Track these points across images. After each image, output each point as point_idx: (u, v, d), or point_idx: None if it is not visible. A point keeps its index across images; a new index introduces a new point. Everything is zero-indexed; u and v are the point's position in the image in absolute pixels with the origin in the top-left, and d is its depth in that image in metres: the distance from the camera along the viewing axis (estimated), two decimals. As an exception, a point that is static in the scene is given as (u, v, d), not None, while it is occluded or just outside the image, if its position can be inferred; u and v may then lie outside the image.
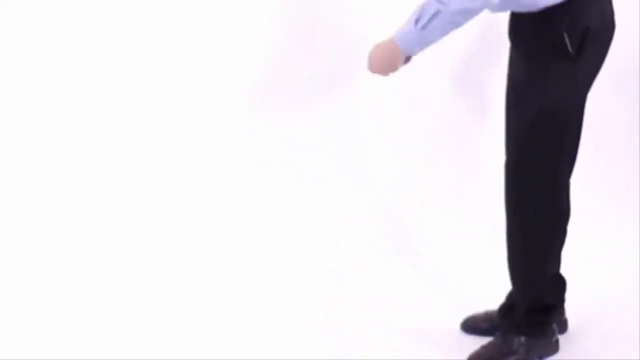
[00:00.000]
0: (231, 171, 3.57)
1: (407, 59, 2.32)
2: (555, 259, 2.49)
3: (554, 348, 2.54)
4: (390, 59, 2.26)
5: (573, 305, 2.64)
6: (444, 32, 2.19)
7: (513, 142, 2.37)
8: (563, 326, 2.64)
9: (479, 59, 3.65)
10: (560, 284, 2.58)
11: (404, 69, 2.36)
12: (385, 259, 3.13)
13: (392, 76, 2.35)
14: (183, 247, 3.19)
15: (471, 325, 2.64)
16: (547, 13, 2.23)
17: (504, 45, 2.47)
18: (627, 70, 3.68)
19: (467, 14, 2.16)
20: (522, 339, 2.49)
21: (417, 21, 2.18)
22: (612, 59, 3.66)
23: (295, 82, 3.70)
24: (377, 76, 2.34)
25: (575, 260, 3.09)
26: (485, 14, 2.29)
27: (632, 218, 3.39)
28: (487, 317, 2.64)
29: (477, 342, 2.54)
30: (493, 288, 2.66)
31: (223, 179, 3.54)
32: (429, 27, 2.17)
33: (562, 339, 2.58)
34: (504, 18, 2.41)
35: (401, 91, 3.63)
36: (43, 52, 3.58)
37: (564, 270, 2.99)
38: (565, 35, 2.23)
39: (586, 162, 3.64)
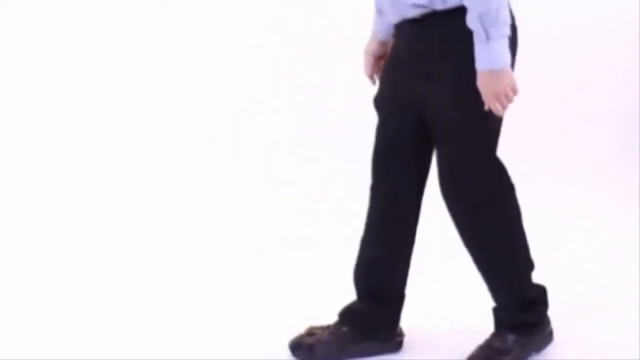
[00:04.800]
0: (231, 169, 3.58)
1: None
2: (525, 248, 2.44)
3: (549, 339, 2.53)
4: (503, 83, 2.18)
5: (564, 307, 2.64)
6: (506, 16, 2.14)
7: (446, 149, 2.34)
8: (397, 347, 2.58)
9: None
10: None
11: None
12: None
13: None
14: (179, 247, 3.19)
15: None
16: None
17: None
18: (627, 70, 3.68)
19: None
20: (517, 336, 2.48)
21: (487, 36, 2.13)
22: (612, 58, 3.69)
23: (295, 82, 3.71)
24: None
25: (570, 261, 3.10)
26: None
27: (629, 219, 3.39)
28: None
29: (475, 342, 2.54)
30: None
31: (223, 179, 3.55)
32: (501, 25, 2.12)
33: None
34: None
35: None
36: (43, 53, 3.58)
37: (556, 271, 3.00)
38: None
39: (584, 163, 3.66)
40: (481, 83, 2.19)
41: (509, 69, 2.20)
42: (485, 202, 2.35)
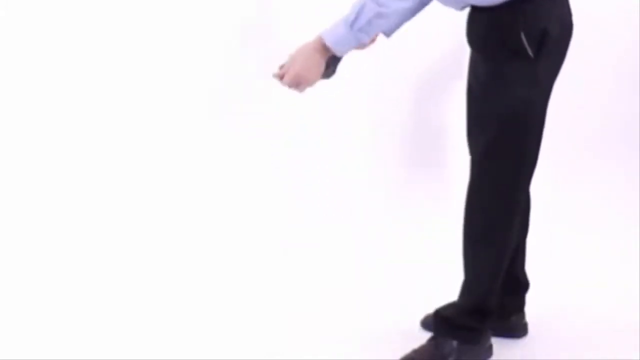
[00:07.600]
0: (231, 169, 3.58)
1: (332, 72, 2.33)
2: (506, 259, 2.42)
3: (487, 353, 2.48)
4: (315, 61, 2.32)
5: (564, 307, 2.64)
6: (376, 31, 2.26)
7: (477, 142, 2.34)
8: (523, 330, 2.62)
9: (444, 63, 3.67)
10: (517, 288, 2.57)
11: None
12: (370, 262, 3.14)
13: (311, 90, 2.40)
14: (178, 247, 3.20)
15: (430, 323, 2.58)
16: (501, 14, 2.22)
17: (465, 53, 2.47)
18: (627, 70, 3.68)
19: (406, 14, 2.27)
20: (455, 343, 2.42)
21: (352, 23, 2.23)
22: (612, 58, 3.68)
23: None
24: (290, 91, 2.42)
25: (569, 261, 3.09)
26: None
27: (629, 219, 3.39)
28: None
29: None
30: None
31: (223, 179, 3.55)
32: (366, 29, 2.23)
33: (519, 341, 2.59)
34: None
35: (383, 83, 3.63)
36: (42, 53, 3.58)
37: (556, 271, 2.99)
38: (523, 36, 2.21)
39: (583, 162, 3.66)
40: (314, 47, 2.31)
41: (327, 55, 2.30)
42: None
